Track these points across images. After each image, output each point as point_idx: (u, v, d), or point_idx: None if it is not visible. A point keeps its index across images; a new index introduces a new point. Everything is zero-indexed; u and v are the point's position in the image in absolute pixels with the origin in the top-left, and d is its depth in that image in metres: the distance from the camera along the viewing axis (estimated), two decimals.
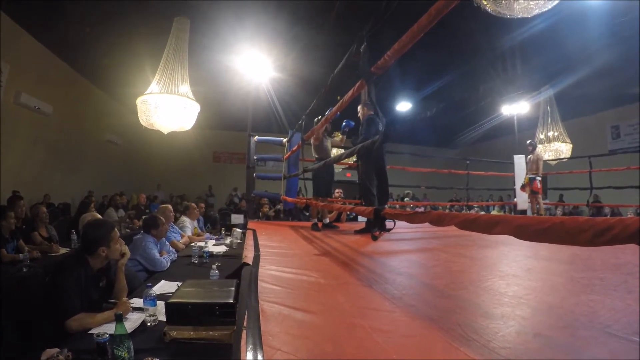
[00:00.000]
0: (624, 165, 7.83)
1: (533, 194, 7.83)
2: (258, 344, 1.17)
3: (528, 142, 8.32)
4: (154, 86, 6.45)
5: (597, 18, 7.75)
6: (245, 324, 1.33)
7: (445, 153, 19.49)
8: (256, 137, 7.17)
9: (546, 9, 4.06)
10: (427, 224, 1.58)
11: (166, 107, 6.39)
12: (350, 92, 2.92)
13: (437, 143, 18.43)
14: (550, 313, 1.66)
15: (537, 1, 4.03)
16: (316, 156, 5.53)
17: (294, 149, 6.46)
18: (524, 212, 8.72)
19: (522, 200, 8.25)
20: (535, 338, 1.33)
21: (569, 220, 0.91)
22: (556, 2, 3.90)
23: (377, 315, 1.59)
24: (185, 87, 6.63)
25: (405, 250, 3.61)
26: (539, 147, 10.84)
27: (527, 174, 8.03)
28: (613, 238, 0.85)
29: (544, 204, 10.96)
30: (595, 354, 1.22)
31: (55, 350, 1.68)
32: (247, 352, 1.12)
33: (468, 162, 8.90)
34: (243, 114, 9.67)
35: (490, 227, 1.17)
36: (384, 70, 2.33)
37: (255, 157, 7.09)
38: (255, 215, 6.97)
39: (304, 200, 6.24)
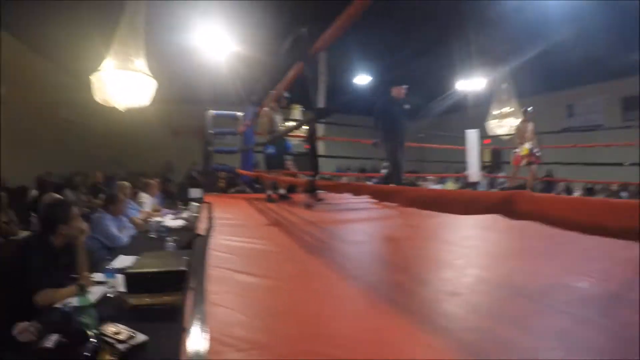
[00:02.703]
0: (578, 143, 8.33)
1: (531, 164, 7.11)
2: (202, 301, 1.32)
3: (529, 108, 7.53)
4: (109, 62, 6.36)
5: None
6: (192, 286, 1.50)
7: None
8: (212, 111, 7.16)
9: None
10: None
11: (121, 83, 6.33)
12: (291, 73, 3.07)
13: None
14: (493, 285, 1.78)
15: None
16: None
17: (247, 122, 6.59)
18: (475, 184, 9.11)
19: (473, 172, 8.56)
20: (484, 312, 1.42)
21: (449, 192, 1.12)
22: None
23: (318, 279, 1.77)
24: (141, 62, 6.55)
25: (351, 220, 3.81)
26: (494, 122, 11.32)
27: (523, 143, 7.13)
28: (479, 209, 1.06)
29: (500, 177, 11.50)
30: (545, 325, 1.32)
31: (26, 323, 1.83)
32: (193, 309, 1.27)
33: (422, 135, 9.20)
34: (202, 87, 9.61)
35: (393, 197, 1.37)
36: (322, 51, 2.48)
37: (211, 131, 7.08)
38: (213, 189, 7.03)
39: (256, 174, 6.40)
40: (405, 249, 2.62)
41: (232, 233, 2.66)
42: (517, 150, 7.05)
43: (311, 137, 2.56)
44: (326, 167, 15.28)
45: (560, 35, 9.66)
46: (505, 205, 1.01)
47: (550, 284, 1.80)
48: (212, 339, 1.07)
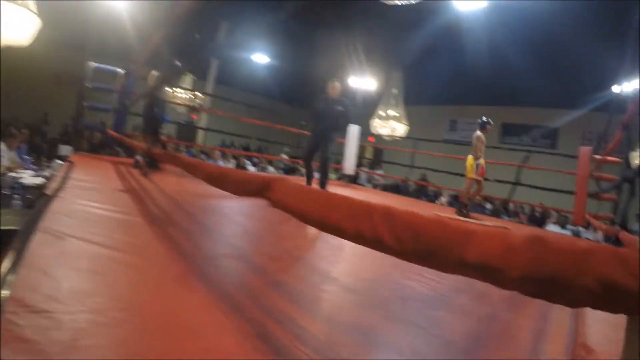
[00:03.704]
0: (456, 154, 9.32)
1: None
2: (18, 262, 1.39)
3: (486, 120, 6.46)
4: None
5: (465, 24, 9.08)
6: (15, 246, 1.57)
7: (294, 111, 19.75)
8: (93, 63, 6.71)
9: None
10: None
11: (4, 14, 5.89)
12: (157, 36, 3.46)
13: (287, 100, 18.77)
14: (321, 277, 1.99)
15: None
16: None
17: (123, 82, 6.44)
18: (351, 177, 9.73)
19: (348, 165, 9.01)
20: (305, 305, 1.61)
21: (230, 172, 1.47)
22: None
23: (146, 249, 1.90)
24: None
25: (210, 195, 3.82)
26: (378, 122, 12.10)
27: (478, 156, 6.49)
28: (247, 191, 1.32)
29: (378, 174, 12.37)
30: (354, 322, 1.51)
31: None
32: (8, 270, 1.33)
33: (303, 123, 9.67)
34: (92, 36, 9.12)
35: (195, 171, 1.68)
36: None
37: (89, 85, 6.63)
38: (84, 148, 6.69)
39: (119, 137, 6.27)
40: (251, 227, 2.91)
41: (81, 196, 2.69)
42: (479, 161, 6.46)
43: (150, 103, 2.79)
44: (212, 140, 15.20)
45: (453, 55, 10.79)
46: (265, 191, 1.21)
47: (374, 279, 2.00)
48: (11, 300, 1.13)
